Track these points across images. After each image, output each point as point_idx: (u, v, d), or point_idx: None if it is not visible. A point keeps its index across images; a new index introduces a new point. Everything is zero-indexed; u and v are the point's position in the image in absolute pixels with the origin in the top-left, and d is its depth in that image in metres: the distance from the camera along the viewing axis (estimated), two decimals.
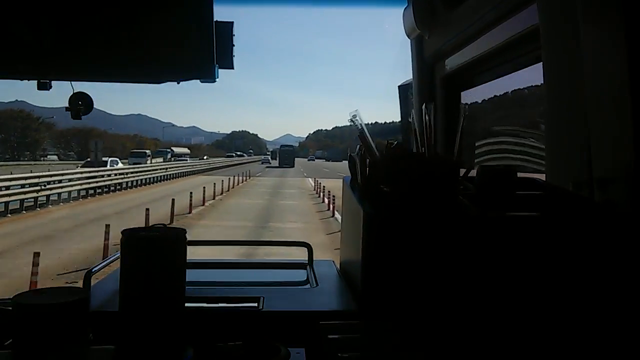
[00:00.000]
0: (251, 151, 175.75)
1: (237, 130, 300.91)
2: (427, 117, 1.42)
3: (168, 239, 1.08)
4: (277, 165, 73.99)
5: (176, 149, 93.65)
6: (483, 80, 2.55)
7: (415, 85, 2.92)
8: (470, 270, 1.27)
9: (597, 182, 1.44)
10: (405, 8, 2.82)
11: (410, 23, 2.73)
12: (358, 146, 1.50)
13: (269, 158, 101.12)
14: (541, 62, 1.72)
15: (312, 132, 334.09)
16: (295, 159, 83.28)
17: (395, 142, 1.47)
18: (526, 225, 1.28)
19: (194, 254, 1.35)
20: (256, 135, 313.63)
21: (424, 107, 1.44)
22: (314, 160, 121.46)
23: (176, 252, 1.08)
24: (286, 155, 74.80)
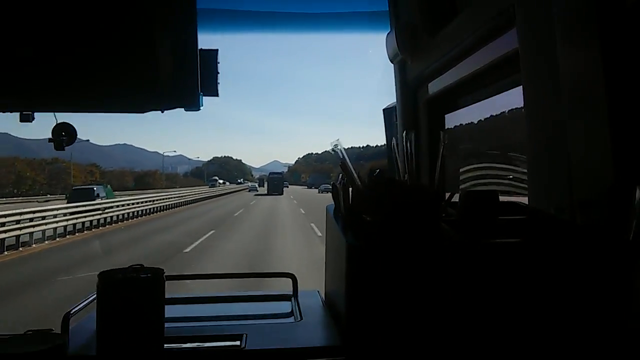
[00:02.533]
0: (215, 178, 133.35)
1: (219, 156, 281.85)
2: (408, 145, 1.43)
3: (145, 280, 1.06)
4: (266, 192, 73.38)
5: None
6: (466, 103, 2.57)
7: (398, 110, 2.93)
8: (455, 299, 1.26)
9: (578, 205, 1.45)
10: (388, 34, 2.86)
11: (393, 48, 2.77)
12: (340, 175, 1.49)
13: (256, 186, 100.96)
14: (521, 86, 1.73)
15: (301, 156, 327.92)
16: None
17: (378, 170, 1.46)
18: (509, 252, 1.27)
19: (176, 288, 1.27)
20: (240, 161, 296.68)
21: (404, 134, 1.44)
22: (287, 186, 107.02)
23: (154, 293, 1.06)
24: (275, 182, 75.32)
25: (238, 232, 22.25)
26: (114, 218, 26.27)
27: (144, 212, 31.78)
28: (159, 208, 35.43)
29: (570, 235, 1.34)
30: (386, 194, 1.36)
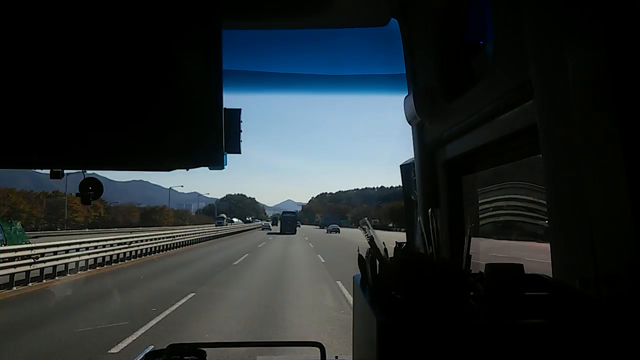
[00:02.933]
0: (222, 216, 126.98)
1: (232, 193, 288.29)
2: (434, 223, 1.48)
3: None
4: (279, 231, 73.46)
5: None
6: (484, 166, 2.63)
7: (417, 169, 3.00)
8: None
9: (603, 278, 1.47)
10: (406, 97, 2.95)
11: (411, 110, 2.85)
12: (367, 249, 1.54)
13: (270, 224, 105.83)
14: (540, 155, 1.78)
15: (315, 195, 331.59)
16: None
17: (404, 244, 1.51)
18: (535, 332, 1.30)
19: None
20: (253, 199, 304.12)
21: (429, 212, 1.50)
22: (299, 226, 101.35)
23: None
24: (288, 222, 76.04)
25: (230, 300, 14.96)
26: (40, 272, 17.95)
27: (105, 260, 23.57)
28: (136, 253, 27.27)
29: (596, 315, 1.37)
30: (413, 270, 1.40)
